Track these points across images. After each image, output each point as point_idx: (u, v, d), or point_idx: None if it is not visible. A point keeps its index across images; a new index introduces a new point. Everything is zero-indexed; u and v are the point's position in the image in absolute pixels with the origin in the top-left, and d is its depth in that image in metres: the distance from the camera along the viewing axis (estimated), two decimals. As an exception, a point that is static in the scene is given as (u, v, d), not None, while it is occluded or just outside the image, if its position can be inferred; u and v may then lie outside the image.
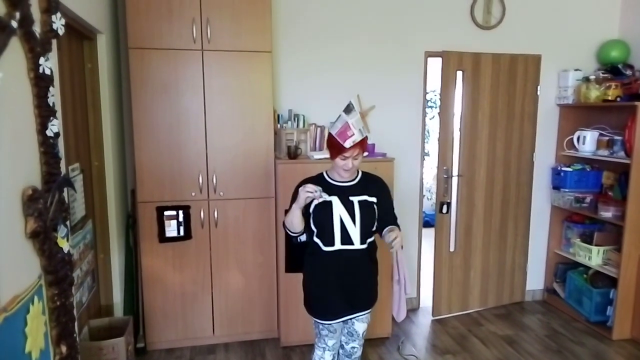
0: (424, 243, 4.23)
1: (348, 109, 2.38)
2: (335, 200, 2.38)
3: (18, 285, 1.51)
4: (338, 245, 2.39)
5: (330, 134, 2.40)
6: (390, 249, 2.40)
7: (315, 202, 2.30)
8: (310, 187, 2.25)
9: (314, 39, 3.75)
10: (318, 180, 2.46)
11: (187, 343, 3.54)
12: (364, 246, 2.44)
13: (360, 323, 2.60)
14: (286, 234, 3.26)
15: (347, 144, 2.31)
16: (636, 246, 3.60)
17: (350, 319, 2.56)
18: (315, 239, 2.43)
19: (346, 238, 2.39)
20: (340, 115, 2.38)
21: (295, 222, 2.34)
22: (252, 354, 3.46)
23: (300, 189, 2.28)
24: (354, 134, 2.31)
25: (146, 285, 3.39)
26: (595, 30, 4.22)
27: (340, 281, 2.45)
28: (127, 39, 3.14)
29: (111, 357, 2.64)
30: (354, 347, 2.67)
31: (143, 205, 3.31)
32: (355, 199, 2.42)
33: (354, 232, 2.40)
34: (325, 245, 2.41)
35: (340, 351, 2.70)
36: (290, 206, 2.41)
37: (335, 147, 2.36)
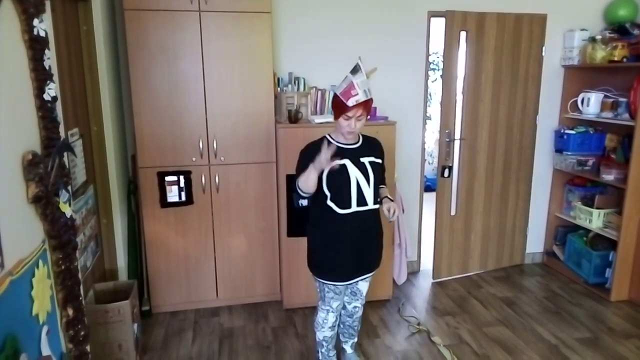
0: (425, 207, 4.24)
1: (355, 70, 2.38)
2: (348, 163, 2.40)
3: (22, 250, 1.52)
4: (354, 207, 2.42)
5: (335, 94, 2.40)
6: (390, 221, 2.45)
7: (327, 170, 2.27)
8: (323, 153, 2.20)
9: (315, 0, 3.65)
10: (322, 143, 2.45)
11: (192, 306, 3.60)
12: (376, 206, 2.49)
13: (364, 282, 2.65)
14: (289, 197, 3.27)
15: (350, 102, 2.31)
16: (637, 209, 3.61)
17: (357, 281, 2.60)
18: (329, 203, 2.42)
19: (362, 199, 2.42)
20: (346, 76, 2.38)
21: (311, 183, 2.30)
22: (256, 315, 3.53)
23: (323, 150, 2.20)
24: (357, 94, 2.31)
25: (149, 249, 3.42)
26: (604, -12, 4.10)
27: (355, 243, 2.48)
28: (122, 0, 3.05)
29: (117, 319, 2.69)
30: (356, 307, 2.72)
31: (144, 170, 3.30)
32: (365, 160, 2.45)
33: (368, 192, 2.44)
34: (340, 208, 2.41)
35: (342, 311, 2.76)
36: (298, 170, 2.40)
37: (338, 107, 2.36)
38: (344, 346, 2.91)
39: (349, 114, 2.33)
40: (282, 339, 3.22)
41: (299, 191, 2.38)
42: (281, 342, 3.18)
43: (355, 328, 2.85)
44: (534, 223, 4.44)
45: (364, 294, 2.71)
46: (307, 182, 2.30)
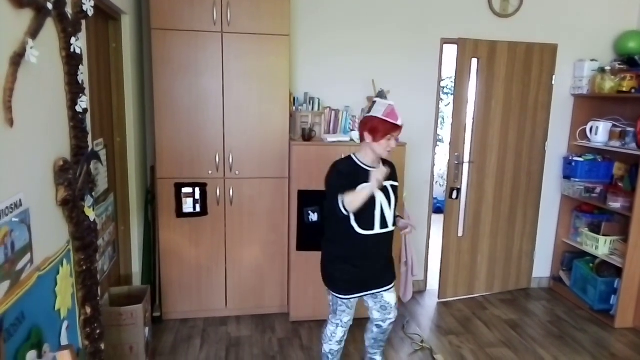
0: (434, 228, 4.32)
1: (382, 94, 2.53)
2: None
3: (49, 248, 1.65)
4: (377, 230, 2.48)
5: (373, 118, 2.42)
6: (401, 233, 2.53)
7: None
8: (378, 173, 2.33)
9: (331, 24, 3.81)
10: (349, 162, 2.53)
11: (201, 314, 3.70)
12: (394, 228, 2.58)
13: (389, 294, 2.68)
14: (300, 212, 3.36)
15: (400, 121, 2.40)
16: (643, 237, 3.64)
17: (374, 293, 2.65)
18: (352, 223, 2.46)
19: (384, 222, 2.50)
20: (376, 101, 2.47)
21: (359, 203, 2.32)
22: (263, 326, 3.61)
23: (373, 173, 2.32)
24: (399, 115, 2.42)
25: (163, 257, 3.54)
26: (614, 21, 4.20)
27: (370, 262, 2.55)
28: (150, 20, 3.23)
29: (130, 322, 2.80)
30: (391, 322, 2.75)
31: (162, 181, 3.44)
32: (387, 184, 2.51)
33: (389, 215, 2.51)
34: (363, 229, 2.47)
35: (376, 330, 2.79)
36: (333, 189, 2.42)
37: (383, 128, 2.39)
38: (375, 357, 2.92)
39: (394, 133, 2.41)
40: (287, 350, 3.29)
41: (342, 208, 2.37)
42: (286, 353, 3.26)
43: (385, 340, 2.89)
44: (541, 248, 4.48)
45: (393, 305, 2.71)
46: (358, 202, 2.31)
